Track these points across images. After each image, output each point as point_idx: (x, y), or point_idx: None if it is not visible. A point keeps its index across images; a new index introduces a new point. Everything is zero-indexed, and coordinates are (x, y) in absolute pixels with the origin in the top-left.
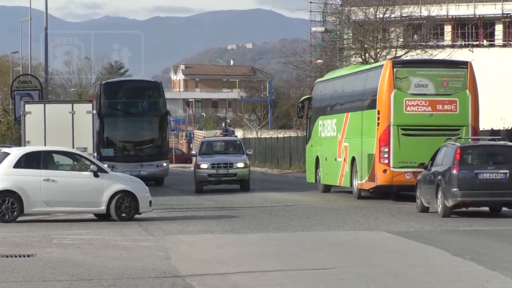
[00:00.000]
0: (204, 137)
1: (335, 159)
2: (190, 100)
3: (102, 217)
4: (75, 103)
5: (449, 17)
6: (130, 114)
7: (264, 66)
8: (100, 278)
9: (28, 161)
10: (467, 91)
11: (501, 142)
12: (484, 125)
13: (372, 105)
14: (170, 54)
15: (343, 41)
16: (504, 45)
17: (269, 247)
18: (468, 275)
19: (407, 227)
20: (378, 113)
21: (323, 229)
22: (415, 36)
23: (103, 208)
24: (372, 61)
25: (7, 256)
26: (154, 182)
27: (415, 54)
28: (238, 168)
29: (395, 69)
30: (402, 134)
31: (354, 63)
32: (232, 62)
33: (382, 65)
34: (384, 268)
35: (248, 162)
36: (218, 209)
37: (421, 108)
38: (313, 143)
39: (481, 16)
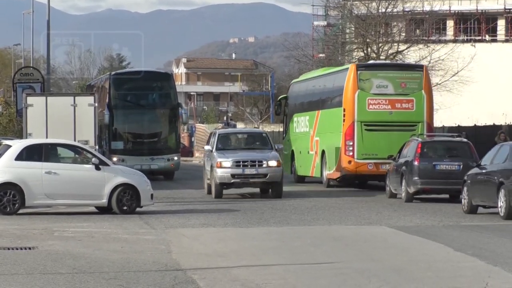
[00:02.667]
0: (218, 129)
1: (308, 152)
2: (191, 93)
3: (103, 210)
4: (77, 96)
5: (451, 12)
6: (141, 106)
7: (266, 60)
8: (101, 271)
9: (30, 154)
10: (423, 91)
11: (457, 139)
12: (486, 120)
13: (339, 103)
14: (172, 48)
15: (345, 35)
16: (506, 40)
17: (271, 241)
18: (470, 271)
19: (408, 222)
20: (344, 111)
21: (324, 223)
22: (417, 30)
23: (104, 201)
24: (374, 55)
25: (8, 249)
26: (164, 176)
27: (417, 49)
28: (269, 167)
29: (358, 72)
30: (365, 130)
31: (357, 57)
32: (234, 55)
33: (348, 68)
34: (385, 263)
35: (281, 160)
36: (220, 203)
37: (381, 106)
38: (289, 138)
39: (483, 11)
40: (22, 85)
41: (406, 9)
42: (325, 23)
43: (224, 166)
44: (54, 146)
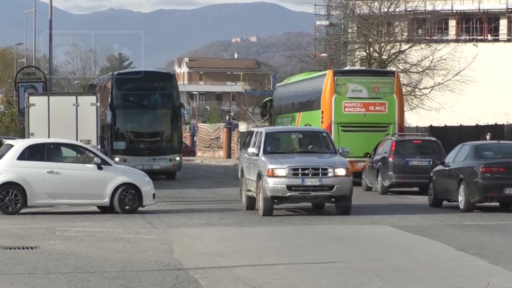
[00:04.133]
0: (259, 126)
1: None
2: (194, 93)
3: (105, 210)
4: (79, 96)
5: (453, 11)
6: (143, 107)
7: (268, 59)
8: (103, 271)
9: (32, 153)
10: (394, 95)
11: (427, 138)
12: (488, 119)
13: (318, 106)
14: (174, 47)
15: (348, 35)
16: (508, 40)
17: (272, 241)
18: (472, 270)
19: (410, 221)
20: (322, 113)
21: (326, 223)
22: (420, 30)
23: (106, 200)
24: (377, 55)
25: (10, 248)
26: (166, 176)
27: (419, 49)
28: (336, 176)
29: (335, 77)
30: (341, 130)
31: (359, 57)
32: (236, 55)
33: (325, 74)
34: (387, 263)
35: (349, 167)
36: (221, 202)
37: (356, 109)
38: None
39: (485, 11)
40: (24, 85)
41: (408, 9)
42: (327, 22)
43: (277, 175)
44: (56, 145)
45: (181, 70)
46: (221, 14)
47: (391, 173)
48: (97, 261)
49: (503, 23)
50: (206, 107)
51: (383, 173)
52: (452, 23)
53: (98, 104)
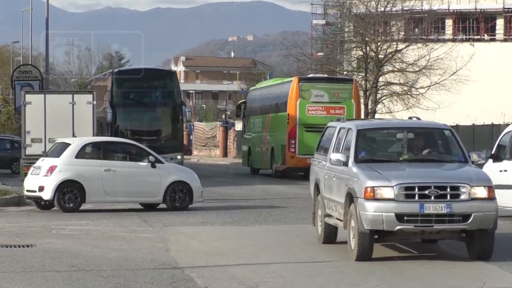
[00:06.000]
0: (345, 120)
1: (261, 149)
2: (190, 91)
3: (148, 207)
4: (75, 94)
5: (450, 11)
6: (144, 105)
7: (265, 58)
8: (99, 269)
9: (89, 152)
10: (352, 100)
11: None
12: (484, 119)
13: (284, 109)
14: (171, 46)
15: (344, 34)
16: (505, 40)
17: (269, 240)
18: (467, 269)
19: None
20: (288, 115)
21: None
22: (416, 29)
23: (160, 198)
24: (373, 54)
25: (7, 246)
26: None
27: (416, 48)
28: (474, 200)
29: (300, 84)
30: (305, 131)
31: (355, 56)
32: (232, 54)
33: (291, 80)
34: (382, 261)
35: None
36: (218, 201)
37: (318, 112)
38: (246, 136)
39: (482, 10)
40: (20, 83)
41: (405, 8)
42: (324, 21)
43: (381, 197)
44: (111, 144)
45: (178, 69)
46: (217, 12)
47: None
48: (93, 259)
49: (499, 23)
50: (203, 106)
51: None
52: (449, 22)
53: (95, 102)
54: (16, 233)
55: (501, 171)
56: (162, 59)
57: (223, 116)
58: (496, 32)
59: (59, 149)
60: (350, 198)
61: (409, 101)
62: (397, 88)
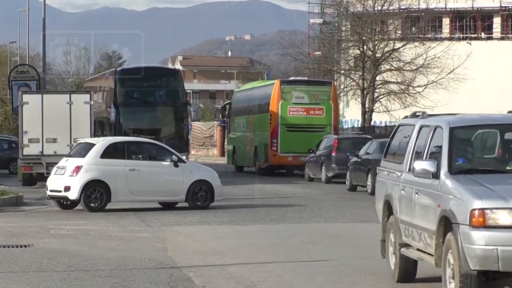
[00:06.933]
0: (426, 115)
1: (245, 147)
2: (187, 91)
3: (167, 206)
4: (72, 94)
5: (447, 9)
6: (148, 104)
7: (262, 57)
8: (97, 269)
9: (113, 151)
10: (331, 102)
11: (363, 136)
12: None
13: (267, 110)
14: (168, 45)
15: (341, 33)
16: (502, 38)
17: (267, 239)
18: None
19: None
20: (270, 116)
21: (320, 221)
22: (413, 28)
23: (182, 197)
24: (370, 53)
25: (4, 247)
26: None
27: (413, 47)
28: None
29: (282, 86)
30: (286, 130)
31: (352, 55)
32: (230, 53)
33: (274, 83)
34: (381, 261)
35: None
36: (216, 200)
37: (299, 113)
38: (231, 136)
39: (479, 8)
40: (17, 83)
41: (402, 7)
42: (321, 20)
43: (495, 223)
44: (135, 143)
45: None
46: (215, 12)
47: (334, 165)
48: (91, 259)
49: (496, 21)
50: (200, 105)
51: (327, 166)
52: (446, 21)
53: (92, 102)
54: (13, 233)
55: None
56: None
57: (221, 116)
58: (493, 30)
59: (83, 149)
60: (446, 224)
61: (407, 100)
62: (394, 87)
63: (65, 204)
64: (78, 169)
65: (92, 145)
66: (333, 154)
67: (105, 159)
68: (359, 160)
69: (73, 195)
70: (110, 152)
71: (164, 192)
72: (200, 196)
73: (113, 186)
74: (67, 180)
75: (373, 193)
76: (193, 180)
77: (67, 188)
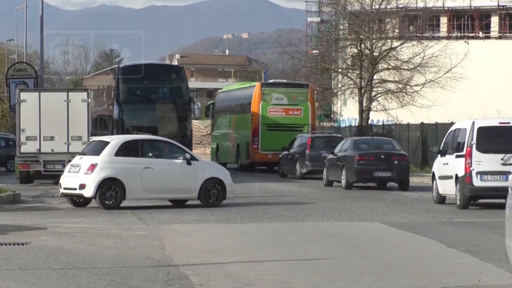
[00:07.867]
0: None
1: (228, 145)
2: None
3: (177, 203)
4: (70, 92)
5: (445, 8)
6: (151, 101)
7: (259, 56)
8: (94, 267)
9: (128, 149)
10: (308, 103)
11: (334, 135)
12: (479, 116)
13: (248, 110)
14: (165, 43)
15: (339, 31)
16: (499, 37)
17: (264, 237)
18: (463, 267)
19: (401, 218)
20: (252, 116)
21: (318, 219)
22: (411, 27)
23: (195, 194)
24: (368, 52)
25: (1, 244)
26: None
27: (411, 45)
28: None
29: (262, 88)
30: (267, 129)
31: (350, 53)
32: (227, 51)
33: (255, 85)
34: (378, 259)
35: None
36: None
37: (279, 113)
38: (215, 134)
39: (477, 8)
40: (15, 81)
41: (400, 6)
42: (318, 19)
43: None
44: (148, 141)
45: None
46: (212, 10)
47: (308, 162)
48: (88, 257)
49: (494, 20)
50: (198, 103)
51: (301, 163)
52: (444, 20)
53: (89, 100)
54: (11, 231)
55: (444, 164)
56: (157, 57)
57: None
58: (491, 29)
59: (97, 147)
60: None
61: (404, 99)
62: (391, 86)
63: (78, 202)
64: (93, 167)
65: (106, 143)
66: (307, 151)
67: (119, 157)
68: (335, 157)
69: (88, 192)
70: (124, 150)
71: (177, 189)
72: (212, 194)
73: (128, 183)
74: (82, 178)
75: (347, 187)
76: (206, 178)
77: (82, 186)
